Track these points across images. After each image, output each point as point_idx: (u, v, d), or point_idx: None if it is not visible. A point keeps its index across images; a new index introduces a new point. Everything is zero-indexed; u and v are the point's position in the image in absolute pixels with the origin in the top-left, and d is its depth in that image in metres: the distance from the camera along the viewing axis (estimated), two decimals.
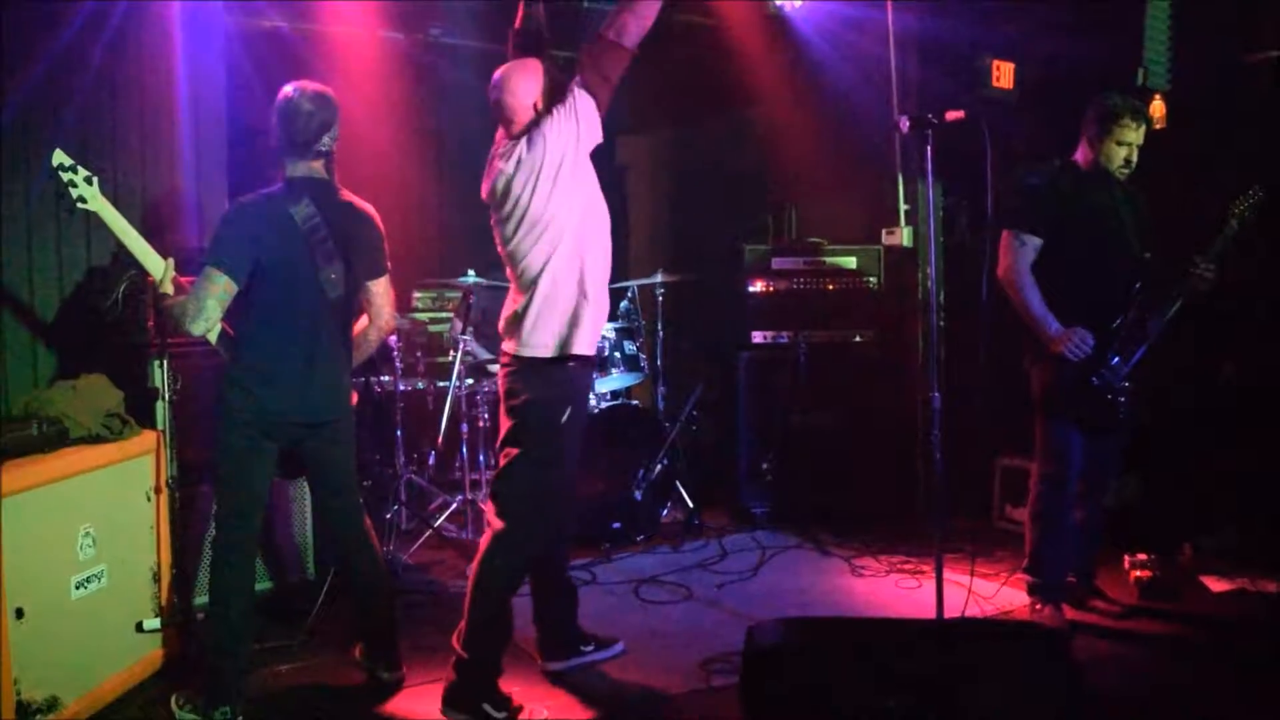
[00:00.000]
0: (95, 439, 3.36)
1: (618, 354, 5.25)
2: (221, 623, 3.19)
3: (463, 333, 5.25)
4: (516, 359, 3.26)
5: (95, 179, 3.19)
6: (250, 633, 3.27)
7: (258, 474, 3.23)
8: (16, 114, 3.96)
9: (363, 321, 3.46)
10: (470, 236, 7.07)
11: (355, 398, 3.47)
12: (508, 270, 3.39)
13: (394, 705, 3.41)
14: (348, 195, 3.36)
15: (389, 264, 3.43)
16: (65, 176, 3.16)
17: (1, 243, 3.92)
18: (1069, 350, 3.79)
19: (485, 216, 7.15)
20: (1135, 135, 3.86)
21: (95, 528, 3.25)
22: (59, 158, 3.16)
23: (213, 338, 3.19)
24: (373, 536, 3.51)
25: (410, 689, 3.50)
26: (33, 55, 3.98)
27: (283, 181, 3.24)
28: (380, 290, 3.40)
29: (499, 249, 3.39)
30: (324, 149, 3.27)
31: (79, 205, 3.18)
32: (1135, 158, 3.89)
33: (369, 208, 3.39)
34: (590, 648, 3.66)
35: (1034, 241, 3.89)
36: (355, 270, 3.31)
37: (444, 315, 6.64)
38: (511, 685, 3.51)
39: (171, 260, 3.20)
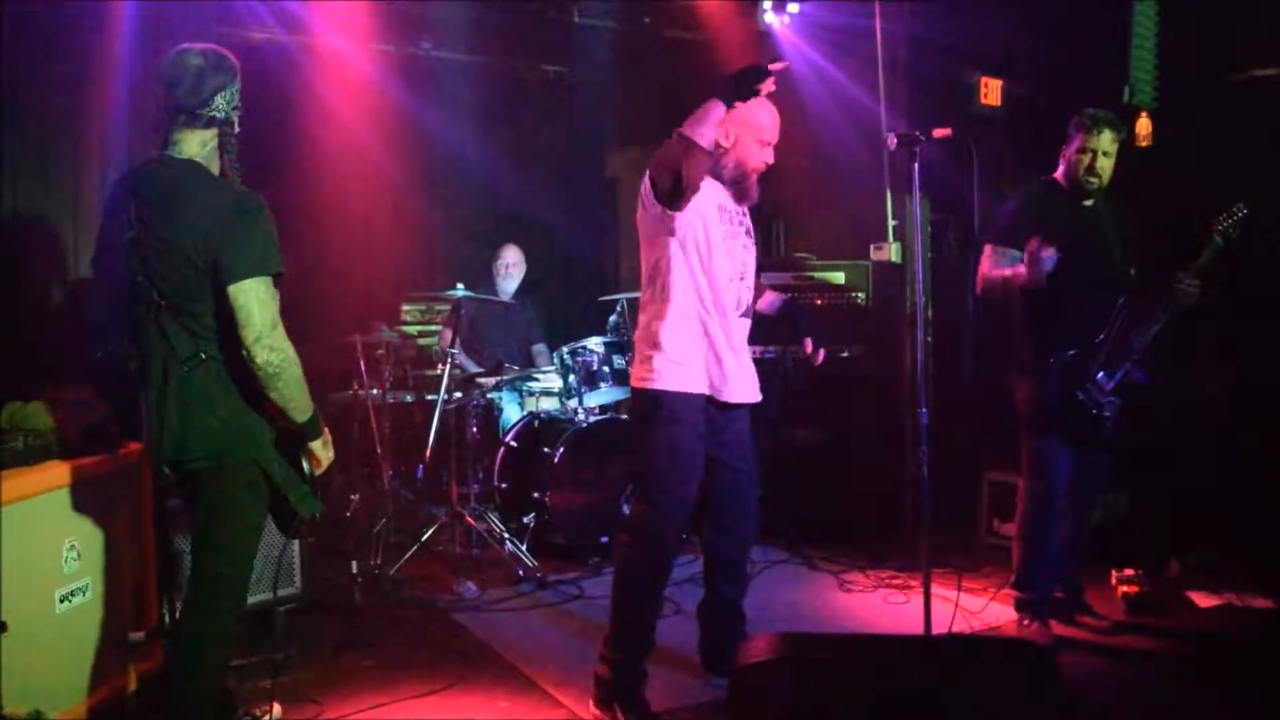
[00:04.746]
0: (80, 452, 3.34)
1: (606, 368, 5.24)
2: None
3: (451, 345, 5.25)
4: None
5: None
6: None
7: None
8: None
9: None
10: (460, 249, 7.12)
11: None
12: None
13: (386, 717, 3.39)
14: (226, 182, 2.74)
15: (251, 267, 2.64)
16: None
17: None
18: (1036, 259, 3.74)
19: (475, 229, 7.13)
20: (1097, 142, 3.86)
21: (80, 541, 3.23)
22: None
23: None
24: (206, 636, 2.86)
25: (402, 702, 3.49)
26: (29, 62, 3.98)
27: (157, 156, 2.73)
28: (240, 301, 2.61)
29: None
30: (219, 115, 2.73)
31: None
32: (1104, 168, 3.89)
33: (231, 192, 2.72)
34: None
35: (1014, 254, 3.90)
36: (218, 276, 2.64)
37: (433, 328, 6.66)
38: (499, 699, 3.51)
39: None
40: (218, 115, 2.72)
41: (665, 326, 3.29)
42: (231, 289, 2.59)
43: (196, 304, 2.65)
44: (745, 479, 3.54)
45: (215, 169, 2.76)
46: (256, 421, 2.74)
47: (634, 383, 3.39)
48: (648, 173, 3.18)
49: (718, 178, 3.35)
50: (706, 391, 3.33)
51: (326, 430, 2.87)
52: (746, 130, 3.32)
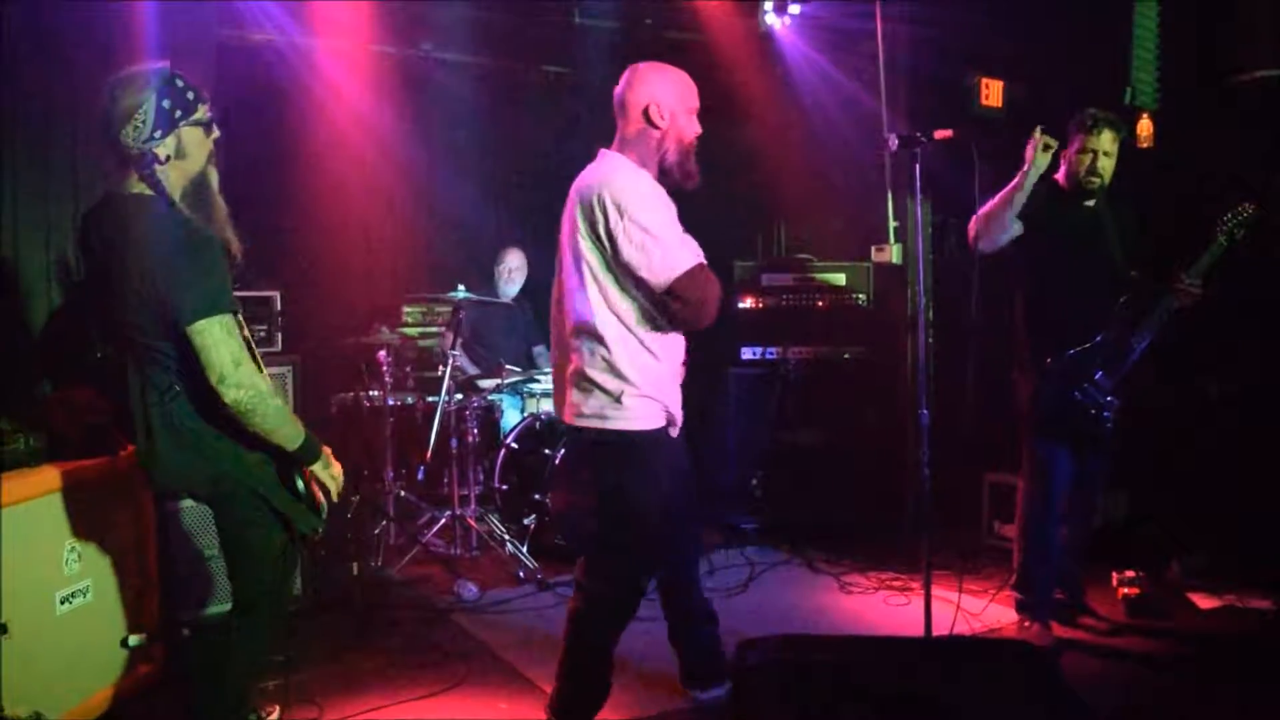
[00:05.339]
0: (82, 454, 3.34)
1: None
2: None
3: (452, 347, 5.25)
4: None
5: None
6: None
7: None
8: None
9: None
10: (460, 251, 7.11)
11: None
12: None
13: (386, 719, 3.40)
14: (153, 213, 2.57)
15: (199, 309, 2.49)
16: None
17: None
18: (1036, 143, 3.73)
19: (475, 231, 7.12)
20: (1098, 142, 3.86)
21: (81, 543, 3.23)
22: None
23: None
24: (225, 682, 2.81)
25: (402, 704, 3.49)
26: (27, 67, 3.98)
27: (106, 193, 2.67)
28: (198, 343, 2.50)
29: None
30: (131, 149, 2.55)
31: None
32: (1105, 168, 3.89)
33: (167, 230, 2.55)
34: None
35: (1016, 224, 3.89)
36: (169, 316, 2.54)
37: (433, 330, 6.65)
38: (499, 700, 3.50)
39: None
40: (130, 151, 2.56)
41: (630, 356, 2.96)
42: (188, 331, 2.48)
43: (160, 340, 2.56)
44: (693, 503, 3.32)
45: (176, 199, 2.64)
46: (243, 448, 2.64)
47: (590, 422, 2.98)
48: (671, 277, 2.87)
49: (663, 169, 3.05)
50: (667, 424, 3.06)
51: (327, 451, 2.78)
52: (678, 103, 3.05)
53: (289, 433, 2.64)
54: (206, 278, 2.52)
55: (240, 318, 2.69)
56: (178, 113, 2.60)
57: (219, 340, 2.50)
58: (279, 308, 4.83)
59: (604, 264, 2.95)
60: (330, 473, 2.78)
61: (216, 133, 2.75)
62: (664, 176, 3.06)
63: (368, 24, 5.92)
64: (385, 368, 5.37)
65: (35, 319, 4.07)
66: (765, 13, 5.79)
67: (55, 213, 4.07)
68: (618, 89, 3.10)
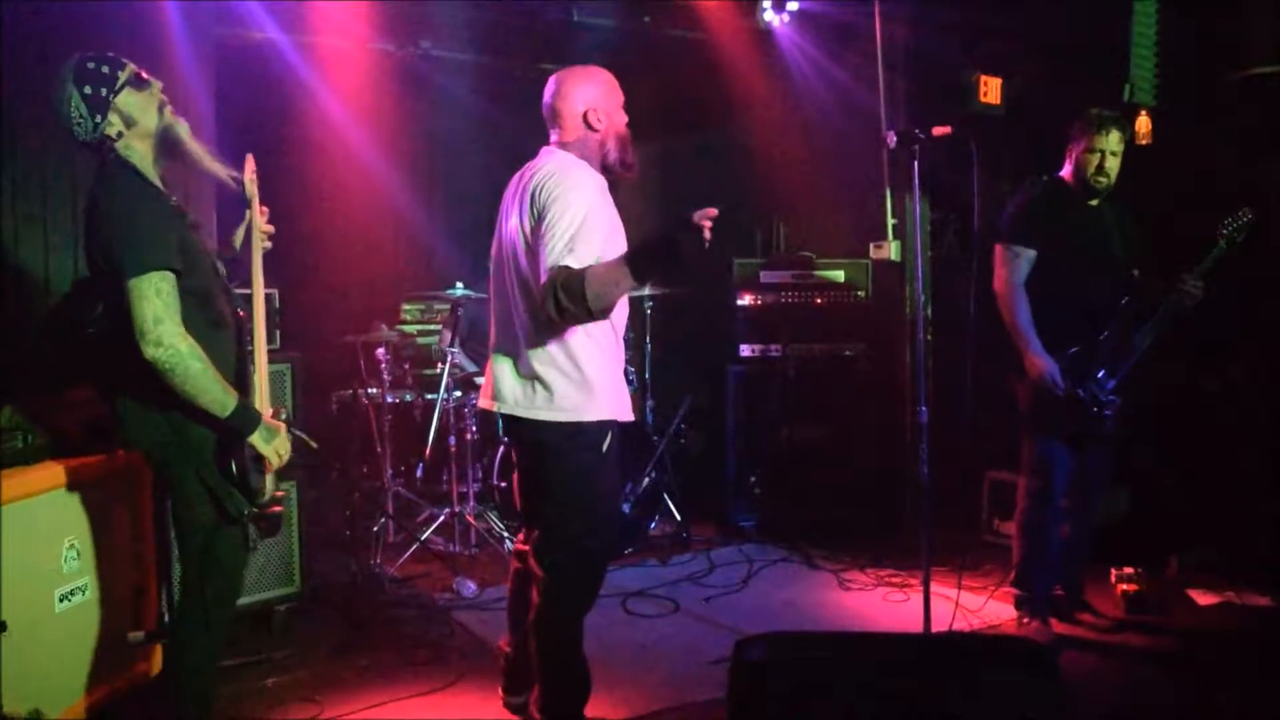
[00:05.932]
0: (81, 451, 3.34)
1: None
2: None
3: (451, 345, 5.25)
4: None
5: None
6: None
7: None
8: None
9: None
10: (459, 248, 7.13)
11: None
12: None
13: (385, 717, 3.40)
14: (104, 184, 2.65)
15: (130, 265, 2.53)
16: None
17: None
18: (1040, 379, 3.82)
19: (474, 228, 7.13)
20: (1105, 142, 3.87)
21: (79, 540, 3.23)
22: None
23: None
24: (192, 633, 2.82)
25: (401, 701, 3.49)
26: (27, 68, 3.98)
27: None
28: (128, 300, 2.53)
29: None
30: (87, 141, 2.65)
31: None
32: (1112, 167, 3.90)
33: (113, 195, 2.62)
34: None
35: (1028, 254, 3.91)
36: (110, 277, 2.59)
37: (432, 327, 6.66)
38: (498, 697, 3.50)
39: None
40: (87, 141, 2.63)
41: (586, 347, 2.98)
42: (125, 289, 2.52)
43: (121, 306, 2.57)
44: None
45: (154, 176, 2.70)
46: (188, 419, 2.64)
47: (561, 415, 2.97)
48: (561, 281, 2.75)
49: (605, 166, 3.11)
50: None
51: (275, 423, 2.74)
52: (610, 102, 3.12)
53: (215, 399, 2.59)
54: (139, 237, 2.54)
55: (231, 296, 2.82)
56: (103, 90, 2.62)
57: (144, 296, 2.51)
58: (278, 305, 4.84)
59: None
60: (273, 446, 2.71)
61: (155, 83, 2.73)
62: (606, 173, 3.12)
63: (366, 23, 5.92)
64: (384, 365, 5.37)
65: (34, 316, 4.08)
66: (763, 10, 5.79)
67: (54, 211, 4.07)
68: (546, 98, 3.17)
